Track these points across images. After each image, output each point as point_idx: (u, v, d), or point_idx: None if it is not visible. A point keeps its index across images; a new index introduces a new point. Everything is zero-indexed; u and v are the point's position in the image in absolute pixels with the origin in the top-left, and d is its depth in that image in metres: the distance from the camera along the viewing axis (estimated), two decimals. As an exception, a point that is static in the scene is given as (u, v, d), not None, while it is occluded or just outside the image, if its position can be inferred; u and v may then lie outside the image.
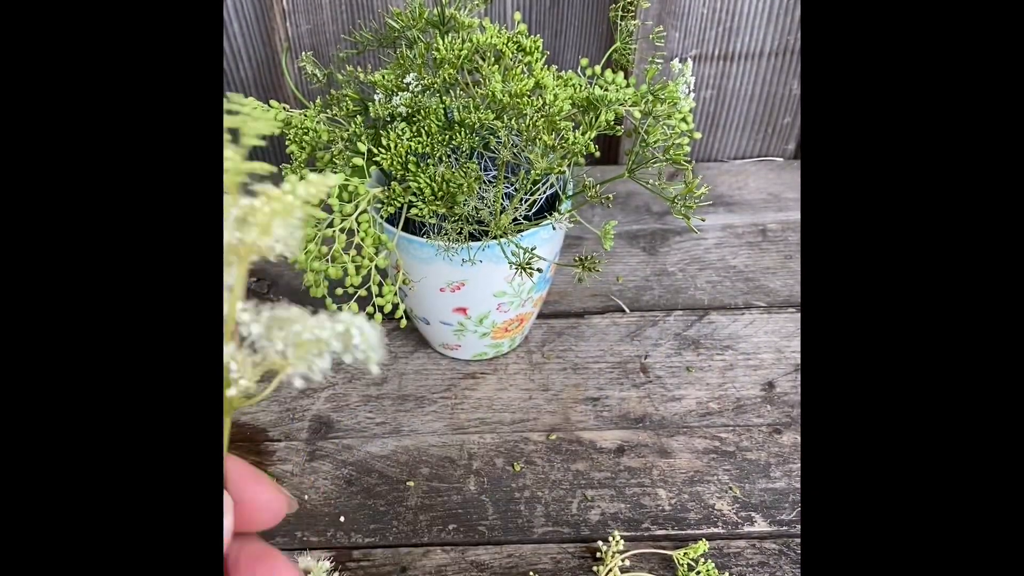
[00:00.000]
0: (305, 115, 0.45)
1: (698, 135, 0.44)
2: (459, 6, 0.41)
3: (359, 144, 0.41)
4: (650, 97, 0.41)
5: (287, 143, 0.44)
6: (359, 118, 0.45)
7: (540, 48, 0.42)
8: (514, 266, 0.41)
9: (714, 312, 0.61)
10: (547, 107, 0.37)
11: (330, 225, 0.39)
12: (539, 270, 0.42)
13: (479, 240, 0.45)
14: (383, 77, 0.44)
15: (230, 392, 0.20)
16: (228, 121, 0.20)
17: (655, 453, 0.52)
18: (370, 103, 0.44)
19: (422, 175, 0.39)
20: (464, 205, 0.41)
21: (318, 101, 0.48)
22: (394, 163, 0.40)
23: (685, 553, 0.45)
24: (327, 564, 0.45)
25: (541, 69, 0.41)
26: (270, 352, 0.19)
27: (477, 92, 0.41)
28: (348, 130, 0.43)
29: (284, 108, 0.46)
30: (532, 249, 0.43)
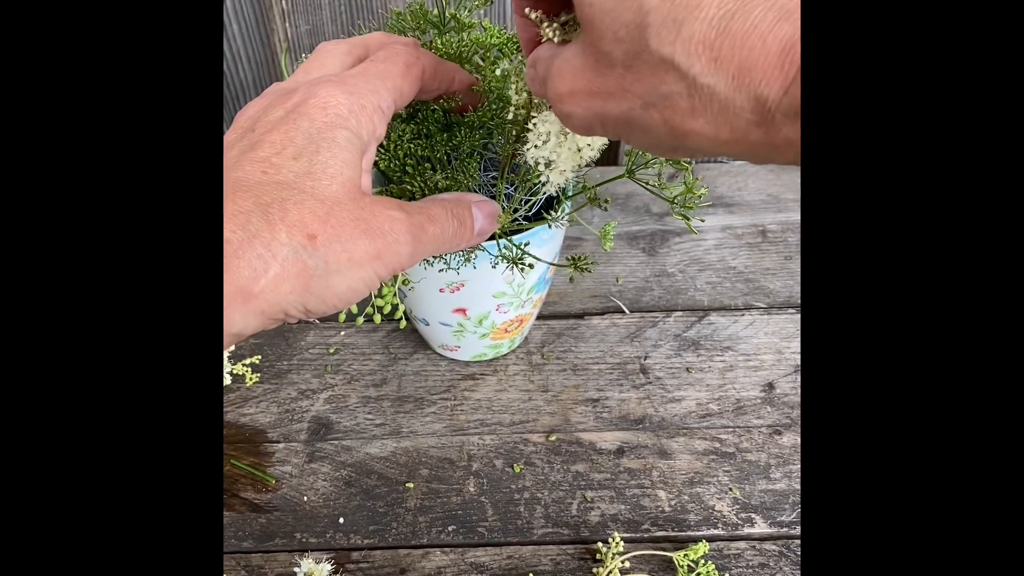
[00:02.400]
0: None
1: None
2: (459, 6, 0.40)
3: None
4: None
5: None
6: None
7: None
8: (506, 260, 0.41)
9: (714, 313, 0.61)
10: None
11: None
12: (530, 266, 0.42)
13: (479, 241, 0.44)
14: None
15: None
16: None
17: (655, 454, 0.52)
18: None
19: (417, 179, 0.39)
20: None
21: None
22: (392, 164, 0.40)
23: (685, 555, 0.45)
24: (328, 567, 0.45)
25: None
26: None
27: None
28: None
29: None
30: (525, 245, 0.43)
